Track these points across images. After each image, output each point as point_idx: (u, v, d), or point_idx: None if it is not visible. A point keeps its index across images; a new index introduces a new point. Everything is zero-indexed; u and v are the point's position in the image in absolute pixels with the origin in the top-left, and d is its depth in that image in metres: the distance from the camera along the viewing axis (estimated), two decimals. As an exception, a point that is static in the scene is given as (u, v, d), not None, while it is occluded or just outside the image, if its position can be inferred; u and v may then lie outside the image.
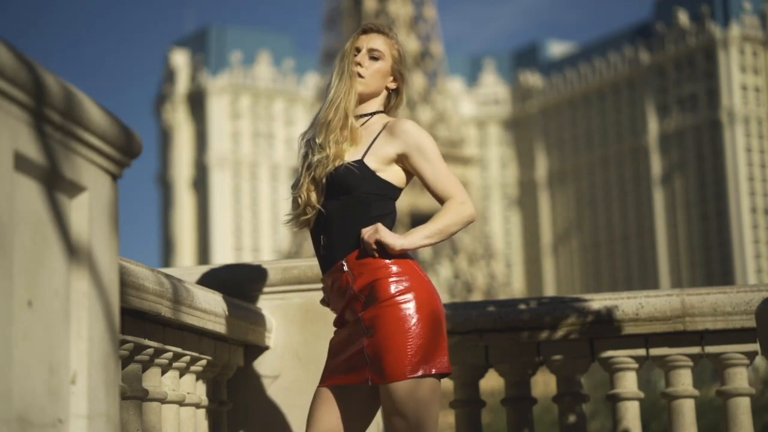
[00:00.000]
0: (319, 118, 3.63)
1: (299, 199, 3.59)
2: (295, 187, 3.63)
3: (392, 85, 3.70)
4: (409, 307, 3.41)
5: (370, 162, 3.53)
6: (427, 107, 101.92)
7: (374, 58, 3.65)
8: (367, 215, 3.50)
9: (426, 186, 3.59)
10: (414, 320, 3.40)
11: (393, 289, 3.42)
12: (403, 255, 3.48)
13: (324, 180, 3.53)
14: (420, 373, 3.37)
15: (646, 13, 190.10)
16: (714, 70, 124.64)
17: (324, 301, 3.70)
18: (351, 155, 3.55)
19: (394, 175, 3.57)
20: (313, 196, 3.55)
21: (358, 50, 3.66)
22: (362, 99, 3.65)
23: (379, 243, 3.44)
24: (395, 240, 3.44)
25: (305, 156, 3.64)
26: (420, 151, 3.54)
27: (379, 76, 3.65)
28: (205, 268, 4.56)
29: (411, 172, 3.60)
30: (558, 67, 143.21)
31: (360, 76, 3.63)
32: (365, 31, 3.69)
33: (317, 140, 3.59)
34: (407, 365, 3.36)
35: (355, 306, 3.48)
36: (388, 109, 3.73)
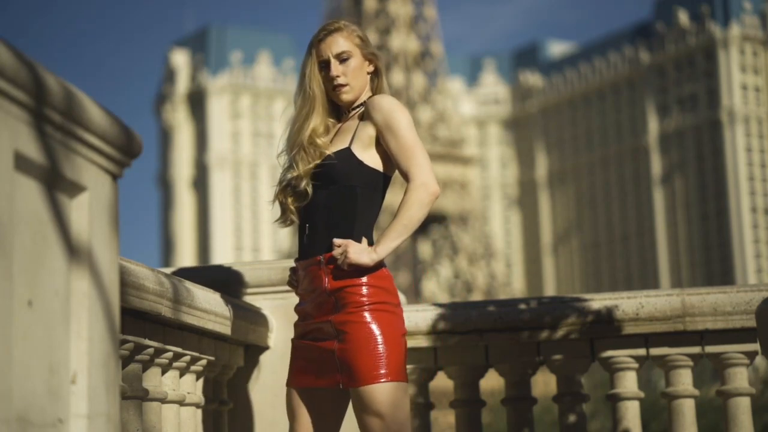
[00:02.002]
0: (289, 138, 3.64)
1: (280, 204, 3.63)
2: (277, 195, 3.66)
3: (370, 69, 3.67)
4: (382, 315, 3.45)
5: (357, 148, 3.53)
6: (427, 107, 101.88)
7: (345, 60, 3.60)
8: (353, 210, 3.51)
9: (393, 163, 3.56)
10: (386, 327, 3.44)
11: (366, 295, 3.45)
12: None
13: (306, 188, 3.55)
14: (392, 377, 3.41)
15: (646, 13, 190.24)
16: (714, 69, 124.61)
17: (291, 284, 3.70)
18: (340, 144, 3.56)
19: (378, 159, 3.56)
20: (293, 204, 3.58)
21: (326, 62, 3.60)
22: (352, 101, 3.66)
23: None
24: (367, 257, 3.44)
25: (286, 169, 3.66)
26: (388, 125, 3.51)
27: (359, 72, 3.62)
28: (205, 268, 4.56)
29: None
30: (558, 67, 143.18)
31: (342, 85, 3.59)
32: (321, 40, 3.62)
33: (287, 156, 3.63)
34: (380, 369, 3.40)
35: (325, 305, 3.50)
36: (375, 91, 3.70)
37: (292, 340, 3.66)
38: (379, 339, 3.41)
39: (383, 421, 3.40)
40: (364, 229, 3.53)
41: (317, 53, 3.62)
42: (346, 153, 3.53)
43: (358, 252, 3.43)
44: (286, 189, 3.58)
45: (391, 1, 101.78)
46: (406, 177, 3.50)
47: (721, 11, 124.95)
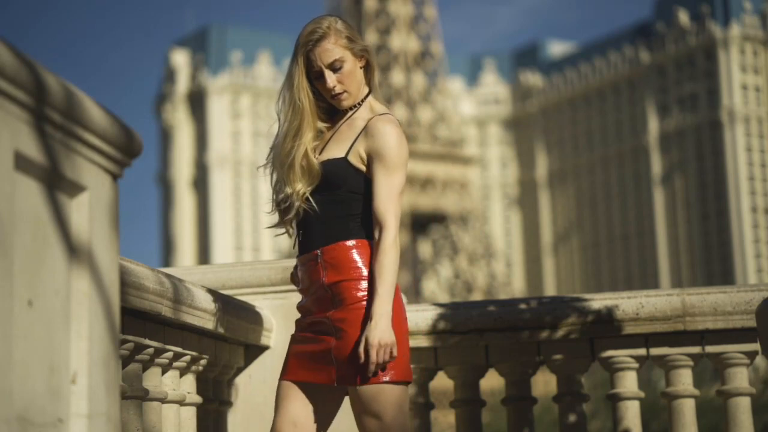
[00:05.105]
0: (276, 148, 3.55)
1: (280, 220, 3.56)
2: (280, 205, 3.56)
3: (362, 63, 3.56)
4: None
5: (353, 159, 3.46)
6: (427, 107, 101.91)
7: (339, 68, 3.49)
8: (347, 211, 3.45)
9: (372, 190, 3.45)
10: None
11: (364, 291, 3.39)
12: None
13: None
14: (387, 378, 3.36)
15: (646, 13, 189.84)
16: (714, 69, 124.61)
17: (294, 281, 3.65)
18: (336, 151, 3.49)
19: None
20: (290, 219, 3.52)
21: (319, 73, 3.50)
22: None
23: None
24: (389, 331, 3.31)
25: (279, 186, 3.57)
26: (380, 157, 3.42)
27: (353, 74, 3.52)
28: (205, 268, 4.57)
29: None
30: (558, 67, 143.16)
31: (340, 93, 3.50)
32: (309, 50, 3.50)
33: (278, 171, 3.53)
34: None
35: (323, 300, 3.45)
36: (369, 84, 3.60)
37: (292, 335, 3.61)
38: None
39: (382, 421, 3.37)
40: (357, 228, 3.46)
41: (307, 63, 3.52)
42: (343, 163, 3.45)
43: (384, 334, 3.31)
44: (287, 209, 3.50)
45: (391, 1, 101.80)
46: (377, 218, 3.39)
47: (721, 11, 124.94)
